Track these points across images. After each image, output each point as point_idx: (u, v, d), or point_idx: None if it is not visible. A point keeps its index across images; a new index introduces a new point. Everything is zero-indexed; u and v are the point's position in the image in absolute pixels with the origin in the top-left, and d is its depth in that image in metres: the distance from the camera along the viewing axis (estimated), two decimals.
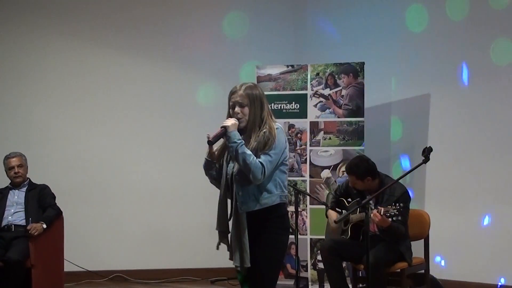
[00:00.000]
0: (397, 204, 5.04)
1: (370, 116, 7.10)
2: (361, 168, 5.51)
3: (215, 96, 7.80)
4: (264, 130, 3.75)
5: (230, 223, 3.96)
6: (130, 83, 7.81)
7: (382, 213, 5.09)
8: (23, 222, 6.25)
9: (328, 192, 6.43)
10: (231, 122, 3.76)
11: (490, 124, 6.60)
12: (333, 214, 5.73)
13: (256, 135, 3.77)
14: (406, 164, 7.13)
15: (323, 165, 6.92)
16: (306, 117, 7.00)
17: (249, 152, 3.70)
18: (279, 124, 3.84)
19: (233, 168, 3.84)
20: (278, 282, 6.96)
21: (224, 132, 3.76)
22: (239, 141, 3.72)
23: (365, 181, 5.50)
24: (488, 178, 6.59)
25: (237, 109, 3.80)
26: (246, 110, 3.80)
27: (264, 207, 3.77)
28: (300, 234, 6.60)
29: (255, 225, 3.78)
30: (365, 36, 7.52)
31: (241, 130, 3.80)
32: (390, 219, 5.08)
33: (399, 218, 5.11)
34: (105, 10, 7.83)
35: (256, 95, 3.82)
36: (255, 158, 3.70)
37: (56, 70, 7.71)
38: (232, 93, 3.84)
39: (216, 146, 3.89)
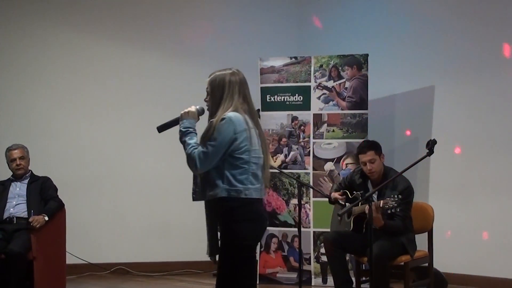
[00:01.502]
0: (396, 196, 5.00)
1: (374, 108, 7.08)
2: (376, 143, 5.60)
3: None
4: (212, 119, 3.64)
5: None
6: (133, 76, 7.79)
7: (381, 205, 5.05)
8: (25, 215, 6.23)
9: (332, 184, 6.41)
10: (187, 109, 3.74)
11: (494, 117, 6.57)
12: (335, 194, 5.71)
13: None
14: (410, 157, 7.09)
15: (327, 157, 6.89)
16: (309, 109, 6.97)
17: (190, 141, 3.64)
18: (231, 114, 3.62)
19: None
20: (281, 275, 7.03)
21: (176, 120, 3.77)
22: (185, 129, 3.68)
23: (381, 158, 5.53)
24: (492, 170, 6.56)
25: (206, 97, 3.79)
26: (210, 98, 3.75)
27: (212, 199, 3.64)
28: (303, 227, 6.58)
29: (215, 216, 3.69)
30: (369, 28, 7.49)
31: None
32: (390, 211, 5.04)
33: (398, 210, 5.08)
34: (107, 3, 7.81)
35: (217, 83, 3.71)
36: (193, 148, 3.61)
37: (58, 63, 7.69)
38: None
39: None
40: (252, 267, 3.74)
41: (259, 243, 7.08)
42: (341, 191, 5.74)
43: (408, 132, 7.21)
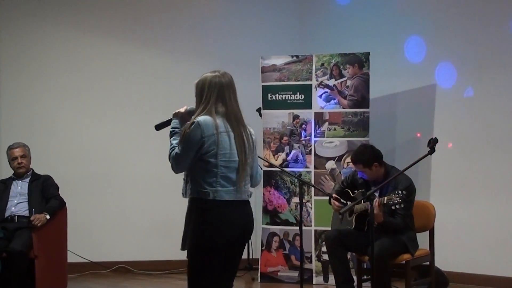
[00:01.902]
0: (400, 192, 4.99)
1: (375, 107, 7.07)
2: (366, 155, 5.47)
3: None
4: (188, 122, 3.74)
5: None
6: (136, 75, 7.78)
7: (385, 202, 5.05)
8: (26, 213, 6.24)
9: (335, 183, 6.41)
10: (179, 109, 3.88)
11: (496, 115, 6.57)
12: (335, 200, 5.69)
13: None
14: (411, 155, 7.08)
15: (328, 156, 6.89)
16: (310, 108, 6.96)
17: (173, 142, 3.77)
18: (200, 118, 3.68)
19: None
20: (282, 273, 7.02)
21: (170, 120, 3.92)
22: (171, 129, 3.83)
23: (372, 168, 5.45)
24: (494, 169, 6.56)
25: None
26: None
27: (189, 197, 3.75)
28: (304, 225, 6.58)
29: (188, 215, 3.77)
30: (371, 26, 7.47)
31: None
32: (394, 207, 5.04)
33: (402, 206, 5.07)
34: (110, 1, 7.79)
35: (200, 86, 3.79)
36: (172, 149, 3.74)
37: (60, 61, 7.68)
38: None
39: None
40: (218, 269, 3.74)
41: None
42: (341, 193, 5.74)
43: (409, 131, 7.19)
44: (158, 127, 4.01)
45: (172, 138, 3.79)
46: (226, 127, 3.73)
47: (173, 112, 3.89)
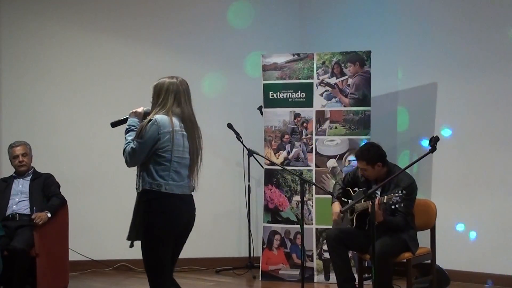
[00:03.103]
0: (400, 191, 4.99)
1: (377, 105, 7.07)
2: (372, 152, 5.46)
3: (220, 84, 7.78)
4: (144, 120, 4.06)
5: None
6: (135, 73, 7.77)
7: (385, 201, 5.05)
8: (27, 211, 6.24)
9: (335, 182, 6.40)
10: (136, 109, 4.20)
11: (497, 114, 6.56)
12: (336, 206, 5.69)
13: None
14: (412, 153, 7.09)
15: (329, 154, 6.89)
16: (312, 106, 6.96)
17: (128, 138, 4.08)
18: (158, 116, 4.01)
19: None
20: (283, 272, 7.03)
21: (126, 118, 4.22)
22: (128, 126, 4.14)
23: (375, 167, 5.44)
24: (495, 167, 6.56)
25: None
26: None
27: (140, 191, 4.03)
28: (305, 224, 6.59)
29: (137, 206, 4.06)
30: (372, 24, 7.47)
31: None
32: (394, 206, 5.03)
33: (402, 205, 5.06)
34: (114, 1, 7.79)
35: (158, 88, 4.12)
36: (127, 144, 4.06)
37: (61, 59, 7.69)
38: None
39: None
40: (167, 254, 4.06)
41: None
42: (342, 194, 5.74)
43: (410, 129, 7.19)
44: (114, 124, 4.32)
45: (128, 134, 4.10)
46: (181, 127, 4.06)
47: (131, 111, 4.20)
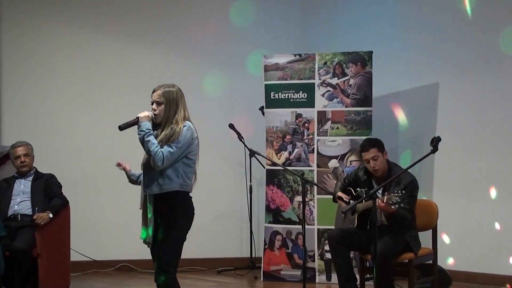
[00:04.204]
0: (400, 191, 4.99)
1: (378, 105, 7.06)
2: (378, 140, 5.59)
3: (221, 85, 7.78)
4: (172, 126, 4.25)
5: None
6: (138, 73, 7.77)
7: (385, 201, 5.05)
8: (29, 212, 6.24)
9: (337, 181, 6.41)
10: (144, 113, 4.30)
11: (499, 114, 6.56)
12: (340, 194, 5.67)
13: (166, 130, 4.27)
14: (414, 154, 7.08)
15: (331, 154, 6.89)
16: (313, 107, 6.96)
17: (154, 141, 4.21)
18: (189, 123, 4.29)
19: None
20: (285, 272, 7.03)
21: (136, 121, 4.30)
22: (147, 130, 4.23)
23: (384, 154, 5.51)
24: (497, 168, 6.55)
25: (154, 106, 4.34)
26: (162, 107, 4.31)
27: (165, 192, 4.24)
28: (307, 224, 6.58)
29: (161, 207, 4.28)
30: (373, 25, 7.47)
31: (158, 125, 4.32)
32: (394, 206, 5.03)
33: (402, 205, 5.06)
34: (117, 3, 7.79)
35: (173, 97, 4.33)
36: (158, 147, 4.20)
37: (64, 61, 7.68)
38: (153, 91, 4.39)
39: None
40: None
41: None
42: (346, 188, 5.73)
43: (412, 130, 7.18)
44: (123, 127, 4.35)
45: (151, 138, 4.22)
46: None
47: (141, 115, 4.30)
